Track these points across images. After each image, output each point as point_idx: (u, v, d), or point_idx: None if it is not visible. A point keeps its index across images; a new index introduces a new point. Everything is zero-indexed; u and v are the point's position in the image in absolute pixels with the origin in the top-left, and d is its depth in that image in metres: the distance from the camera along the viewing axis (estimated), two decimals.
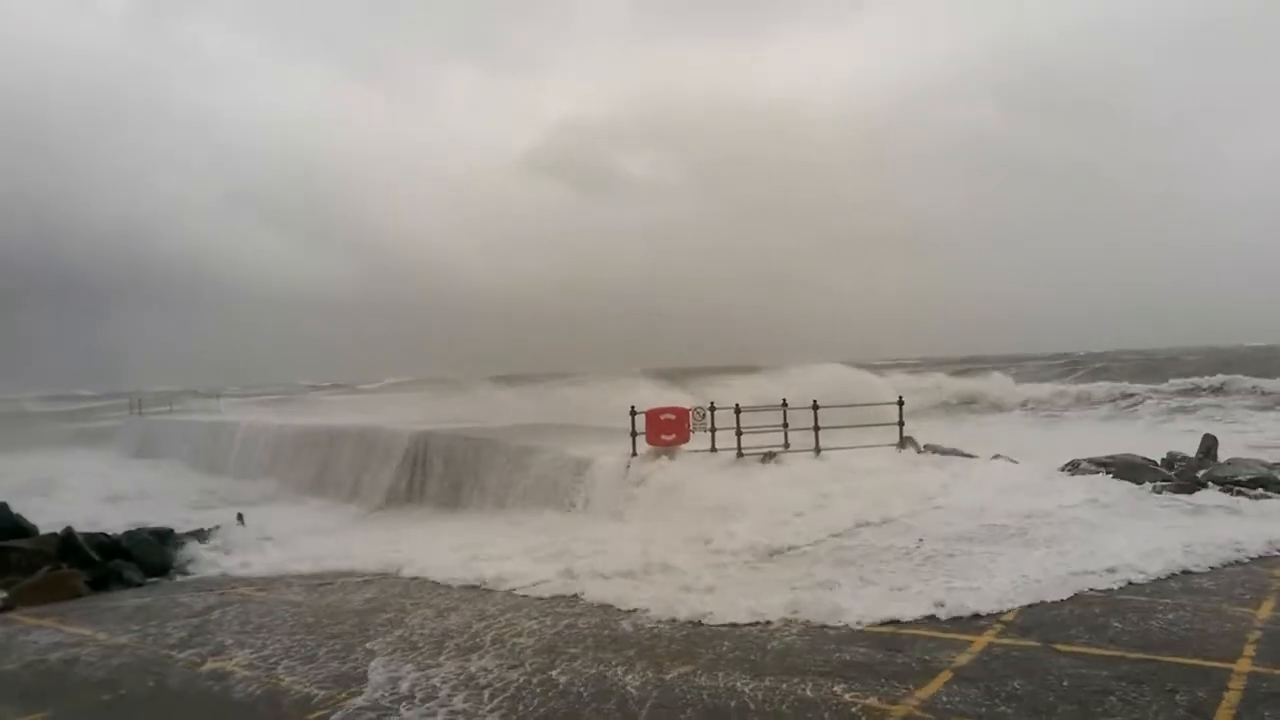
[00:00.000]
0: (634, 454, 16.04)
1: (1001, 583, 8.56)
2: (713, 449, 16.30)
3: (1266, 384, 31.35)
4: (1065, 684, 6.09)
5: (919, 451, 15.81)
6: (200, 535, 14.38)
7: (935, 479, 14.25)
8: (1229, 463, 13.51)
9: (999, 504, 12.19)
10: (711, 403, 16.45)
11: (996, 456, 15.44)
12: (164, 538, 13.74)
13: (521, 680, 6.86)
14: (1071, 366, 49.03)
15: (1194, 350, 54.22)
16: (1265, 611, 7.52)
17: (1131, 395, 32.94)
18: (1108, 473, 12.97)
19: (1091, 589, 8.38)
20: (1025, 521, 11.10)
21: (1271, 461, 13.70)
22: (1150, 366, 42.94)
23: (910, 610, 8.03)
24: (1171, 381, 33.77)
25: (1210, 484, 12.18)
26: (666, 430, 16.16)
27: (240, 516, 16.50)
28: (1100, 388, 34.76)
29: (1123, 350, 59.87)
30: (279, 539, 15.13)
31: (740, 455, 15.70)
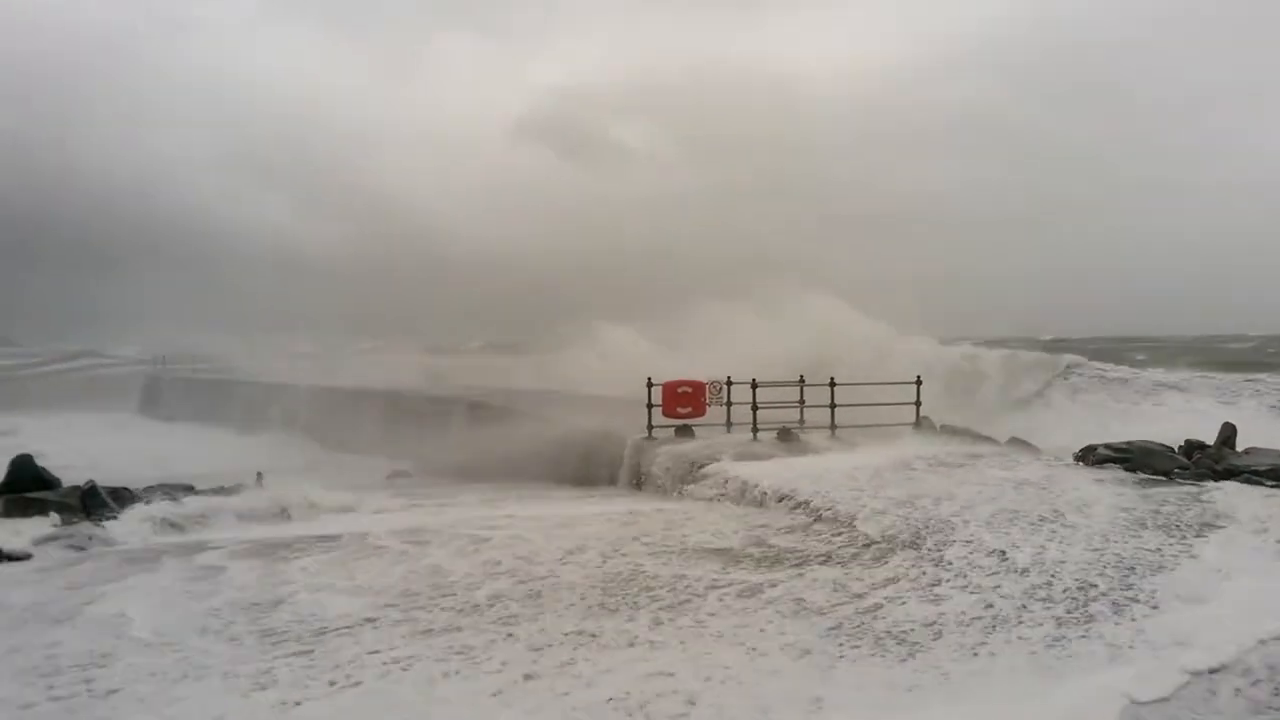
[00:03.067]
0: (649, 427, 16.06)
1: None
2: (728, 425, 16.33)
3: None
4: None
5: (936, 432, 15.78)
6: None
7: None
8: (1247, 452, 13.43)
9: None
10: (729, 377, 16.44)
11: (1013, 440, 15.34)
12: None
13: None
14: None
15: (1183, 339, 53.38)
16: None
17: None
18: (1125, 464, 12.83)
19: None
20: None
21: None
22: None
23: None
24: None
25: (1231, 477, 12.08)
26: (683, 403, 16.19)
27: (259, 476, 16.61)
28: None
29: (1127, 337, 59.10)
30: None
31: (755, 434, 15.70)
